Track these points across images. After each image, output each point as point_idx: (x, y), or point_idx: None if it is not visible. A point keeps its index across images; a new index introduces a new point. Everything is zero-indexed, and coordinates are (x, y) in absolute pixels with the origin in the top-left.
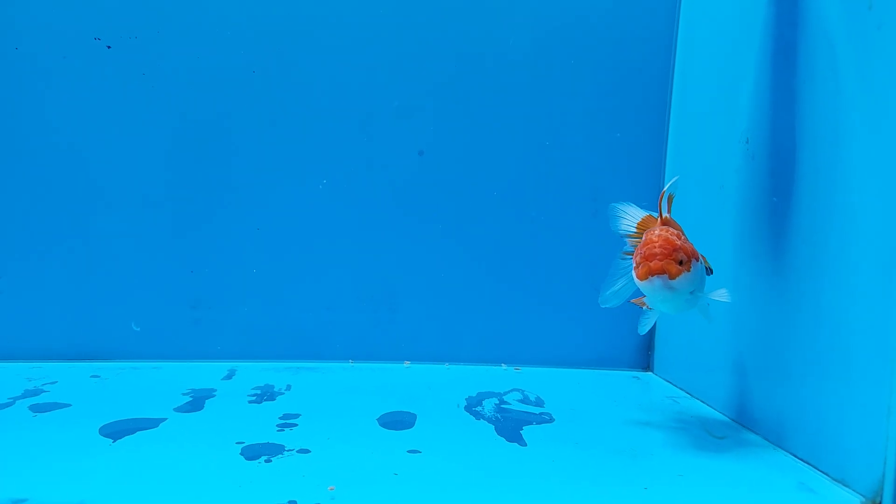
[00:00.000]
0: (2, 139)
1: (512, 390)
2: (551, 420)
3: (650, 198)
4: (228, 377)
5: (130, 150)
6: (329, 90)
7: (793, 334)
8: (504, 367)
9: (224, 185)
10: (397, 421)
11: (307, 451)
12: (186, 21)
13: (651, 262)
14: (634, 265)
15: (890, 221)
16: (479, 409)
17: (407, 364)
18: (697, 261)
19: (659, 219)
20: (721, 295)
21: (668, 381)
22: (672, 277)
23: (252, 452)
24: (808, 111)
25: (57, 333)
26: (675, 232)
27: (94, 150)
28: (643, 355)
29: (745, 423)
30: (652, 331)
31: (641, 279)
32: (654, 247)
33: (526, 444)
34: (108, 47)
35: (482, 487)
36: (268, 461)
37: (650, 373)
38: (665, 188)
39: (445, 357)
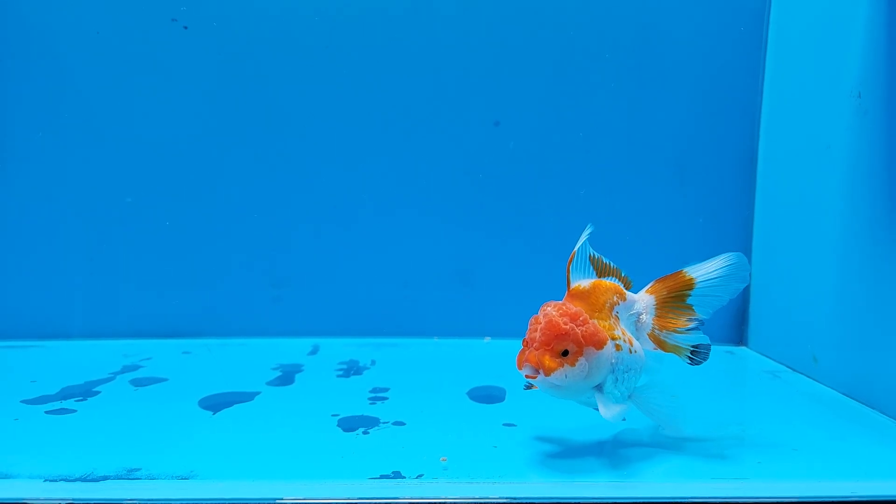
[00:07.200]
0: (89, 124)
1: None
2: None
3: (742, 165)
4: (313, 352)
5: (211, 134)
6: (397, 59)
7: None
8: None
9: (302, 163)
10: (487, 395)
11: (402, 424)
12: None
13: (527, 349)
14: None
15: None
16: None
17: (487, 339)
18: (599, 349)
19: (567, 290)
20: (613, 411)
21: (765, 356)
22: (547, 373)
23: (349, 424)
24: None
25: (149, 312)
26: (574, 311)
27: (174, 136)
28: (736, 329)
29: (858, 397)
30: (745, 303)
31: (518, 367)
32: (535, 330)
33: (624, 419)
34: (185, 28)
35: (585, 463)
36: (365, 433)
37: (744, 347)
38: (576, 247)
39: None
